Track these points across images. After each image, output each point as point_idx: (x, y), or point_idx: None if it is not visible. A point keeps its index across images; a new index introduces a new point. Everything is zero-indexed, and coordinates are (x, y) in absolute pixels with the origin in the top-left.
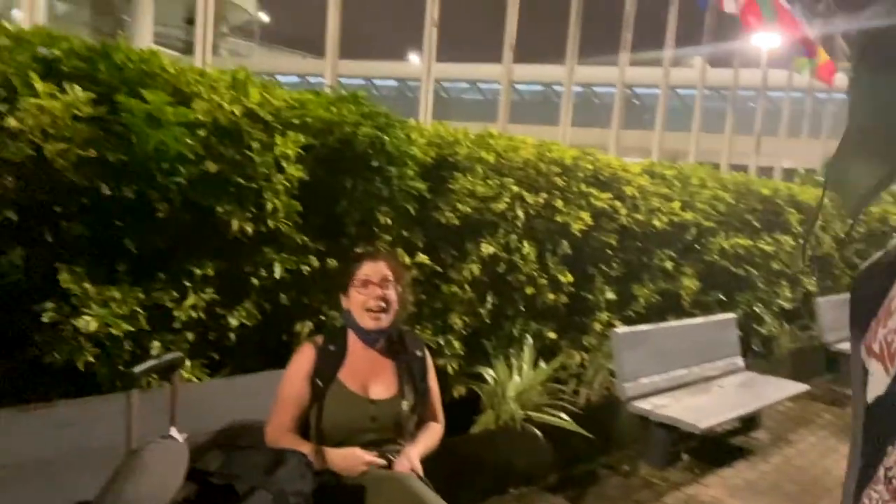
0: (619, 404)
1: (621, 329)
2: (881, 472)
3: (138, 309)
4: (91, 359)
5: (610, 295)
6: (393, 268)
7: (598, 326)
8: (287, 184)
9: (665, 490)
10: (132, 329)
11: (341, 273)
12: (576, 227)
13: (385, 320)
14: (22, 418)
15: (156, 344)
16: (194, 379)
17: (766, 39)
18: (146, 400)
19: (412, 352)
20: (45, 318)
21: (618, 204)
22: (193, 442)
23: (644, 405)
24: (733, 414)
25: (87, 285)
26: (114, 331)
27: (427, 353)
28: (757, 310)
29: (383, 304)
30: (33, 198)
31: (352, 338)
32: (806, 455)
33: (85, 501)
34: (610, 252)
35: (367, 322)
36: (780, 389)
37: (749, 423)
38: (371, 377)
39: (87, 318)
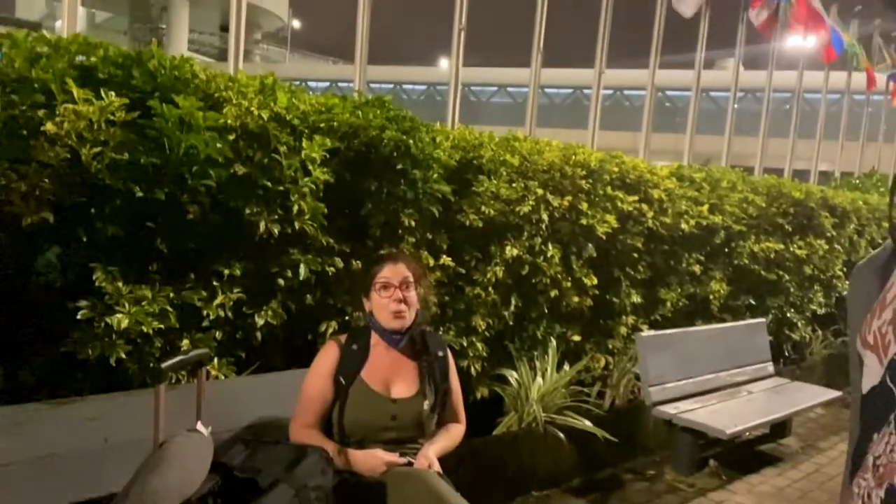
0: (645, 409)
1: (647, 333)
2: (870, 459)
3: (168, 307)
4: (123, 355)
5: (636, 298)
6: (413, 269)
7: (623, 330)
8: (313, 186)
9: (691, 496)
10: (162, 327)
11: (362, 276)
12: (601, 230)
13: (406, 321)
14: (54, 412)
15: (185, 342)
16: (221, 376)
17: (801, 41)
18: (174, 395)
19: (434, 352)
20: (79, 316)
21: (644, 207)
22: (219, 437)
23: (670, 410)
24: (762, 420)
25: (119, 284)
26: (145, 328)
27: (449, 353)
28: (789, 315)
29: (404, 307)
30: (69, 199)
31: (374, 338)
32: (837, 463)
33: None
34: (636, 255)
35: (389, 323)
36: (812, 396)
37: (779, 429)
38: (393, 376)
39: (119, 315)
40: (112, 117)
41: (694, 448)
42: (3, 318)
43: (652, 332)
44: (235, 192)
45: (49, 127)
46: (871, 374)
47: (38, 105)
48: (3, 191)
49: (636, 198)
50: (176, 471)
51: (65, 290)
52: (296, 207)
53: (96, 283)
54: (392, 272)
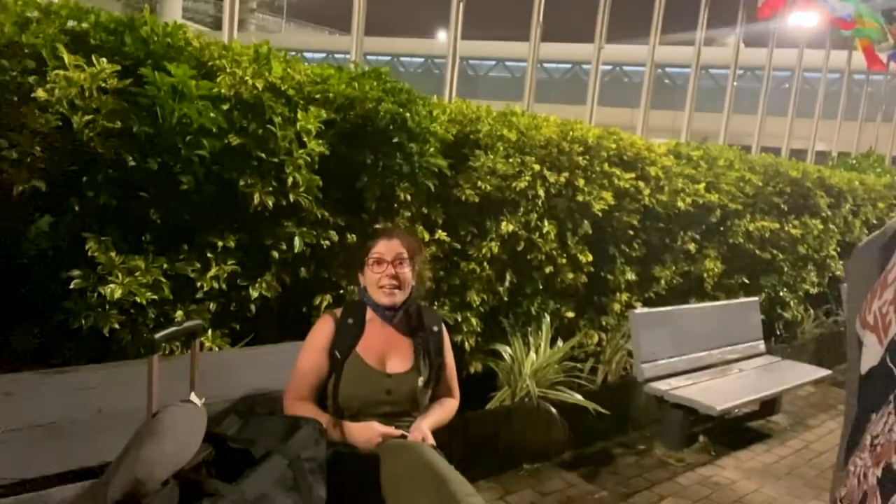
0: (637, 385)
1: (640, 310)
2: (867, 439)
3: (162, 278)
4: (116, 325)
5: (630, 275)
6: (408, 245)
7: (617, 307)
8: (308, 158)
9: (680, 470)
10: (156, 298)
11: (357, 250)
12: (597, 207)
13: (399, 297)
14: (47, 381)
15: (178, 313)
16: (215, 348)
17: (803, 18)
18: (168, 366)
19: (429, 327)
20: (72, 285)
21: (641, 184)
22: (212, 408)
23: (661, 386)
24: (752, 397)
25: (112, 254)
26: (138, 299)
27: (444, 328)
28: (781, 294)
29: (396, 283)
30: (61, 168)
31: (369, 312)
32: (825, 440)
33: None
34: (632, 232)
35: (381, 299)
36: (802, 374)
37: (768, 406)
38: (388, 351)
39: (112, 286)
40: (104, 84)
41: (684, 424)
42: None
43: (645, 310)
44: (229, 163)
45: (40, 93)
46: (871, 354)
47: (28, 71)
48: None
49: (633, 175)
50: (169, 440)
51: (57, 260)
52: (290, 179)
53: (89, 253)
54: (386, 248)
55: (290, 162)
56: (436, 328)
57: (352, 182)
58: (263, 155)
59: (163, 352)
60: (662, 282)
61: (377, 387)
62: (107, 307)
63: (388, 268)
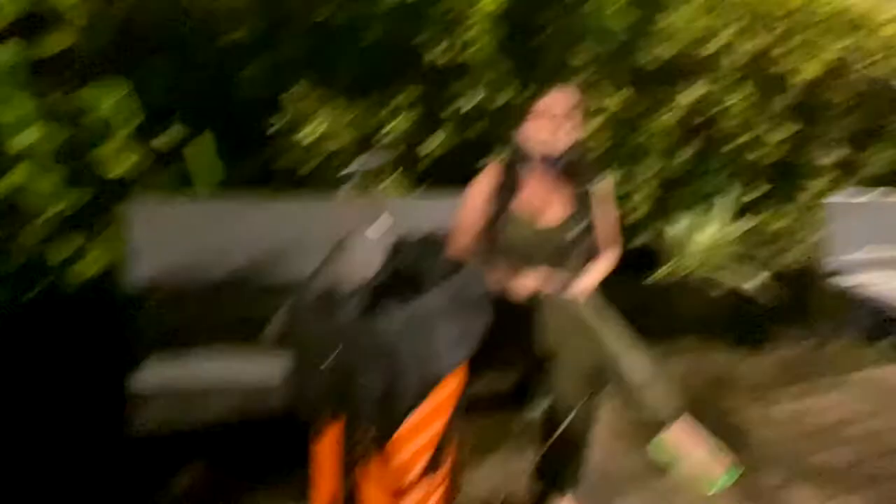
0: (820, 277)
1: (835, 197)
2: None
3: (351, 127)
4: (311, 166)
5: (830, 158)
6: (576, 101)
7: (809, 191)
8: (483, 18)
9: (850, 369)
10: (345, 143)
11: (526, 103)
12: (799, 78)
13: (556, 148)
14: (253, 209)
15: (363, 158)
16: (395, 193)
17: None
18: (351, 204)
19: (590, 181)
20: (271, 131)
21: (857, 54)
22: (388, 242)
23: (848, 281)
24: None
25: (307, 102)
26: (330, 144)
27: (607, 182)
28: None
29: (558, 134)
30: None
31: (530, 164)
32: None
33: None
34: (838, 108)
35: (538, 148)
36: None
37: None
38: (543, 205)
39: (306, 131)
40: None
41: (868, 323)
42: None
43: (841, 198)
44: (404, 21)
45: None
46: None
47: None
48: None
49: (846, 44)
50: (349, 266)
51: (259, 107)
52: (465, 38)
53: (285, 102)
54: (552, 100)
55: (464, 21)
56: (595, 182)
57: (527, 42)
58: (438, 13)
59: (349, 189)
60: (872, 167)
61: (533, 239)
62: (301, 150)
63: (552, 120)
